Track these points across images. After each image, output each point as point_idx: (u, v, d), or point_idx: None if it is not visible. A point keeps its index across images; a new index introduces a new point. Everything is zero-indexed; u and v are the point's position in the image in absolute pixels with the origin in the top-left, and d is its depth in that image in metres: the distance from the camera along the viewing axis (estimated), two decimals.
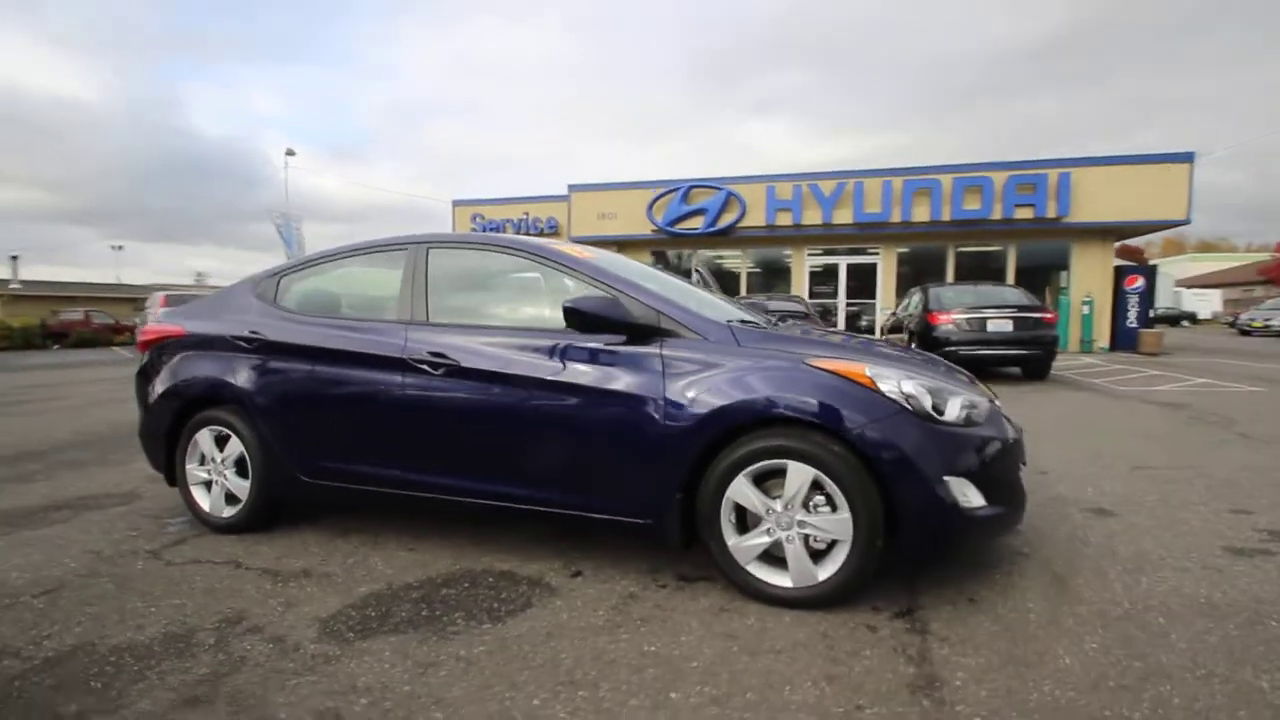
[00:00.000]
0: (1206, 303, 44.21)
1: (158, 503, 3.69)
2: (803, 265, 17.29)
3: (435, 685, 1.83)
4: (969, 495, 2.14)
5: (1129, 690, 1.74)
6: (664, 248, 18.49)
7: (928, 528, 2.13)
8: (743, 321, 2.68)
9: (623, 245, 17.94)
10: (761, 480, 2.26)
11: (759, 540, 2.25)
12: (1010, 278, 15.46)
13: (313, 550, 2.90)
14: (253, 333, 3.08)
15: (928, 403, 2.18)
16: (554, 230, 20.02)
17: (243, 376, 3.04)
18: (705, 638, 2.06)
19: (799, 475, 2.18)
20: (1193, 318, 40.75)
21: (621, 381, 2.39)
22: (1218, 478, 3.84)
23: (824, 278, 17.40)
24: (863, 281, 16.84)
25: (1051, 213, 14.02)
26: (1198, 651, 1.92)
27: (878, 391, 2.17)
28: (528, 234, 20.29)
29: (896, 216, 15.12)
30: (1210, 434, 5.17)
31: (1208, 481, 3.76)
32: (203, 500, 3.20)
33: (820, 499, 2.19)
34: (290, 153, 28.63)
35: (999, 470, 2.25)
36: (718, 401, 2.24)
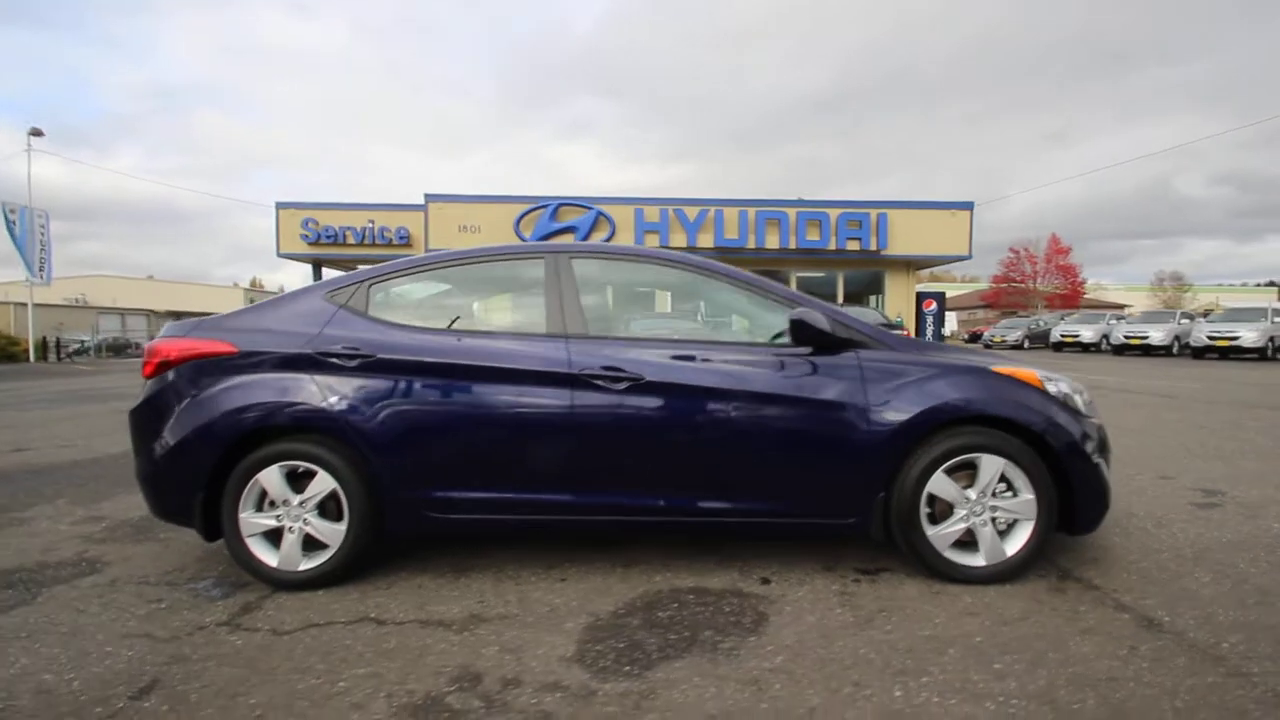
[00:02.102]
0: (947, 323, 54.71)
1: (142, 565, 2.91)
2: None
3: (789, 698, 1.80)
4: (1108, 473, 2.64)
5: (1267, 604, 2.31)
6: None
7: (1098, 504, 2.57)
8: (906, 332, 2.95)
9: None
10: (949, 473, 2.54)
11: (956, 527, 2.53)
12: (840, 299, 17.89)
13: (448, 593, 2.56)
14: (350, 348, 2.63)
15: (1073, 399, 2.65)
16: (405, 242, 18.70)
17: (340, 400, 2.58)
18: (954, 618, 2.27)
19: (991, 466, 2.50)
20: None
21: (825, 390, 2.52)
22: (1118, 456, 4.96)
23: None
24: None
25: (873, 246, 16.58)
26: (1268, 571, 2.60)
27: (1045, 391, 2.58)
28: (375, 244, 18.69)
29: (752, 243, 16.71)
30: None
31: (1115, 458, 4.85)
32: (265, 554, 2.62)
33: (1001, 485, 2.54)
34: (36, 133, 23.03)
35: (1108, 450, 2.79)
36: (923, 404, 2.49)
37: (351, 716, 1.78)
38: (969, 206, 16.82)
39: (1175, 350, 19.52)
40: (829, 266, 17.88)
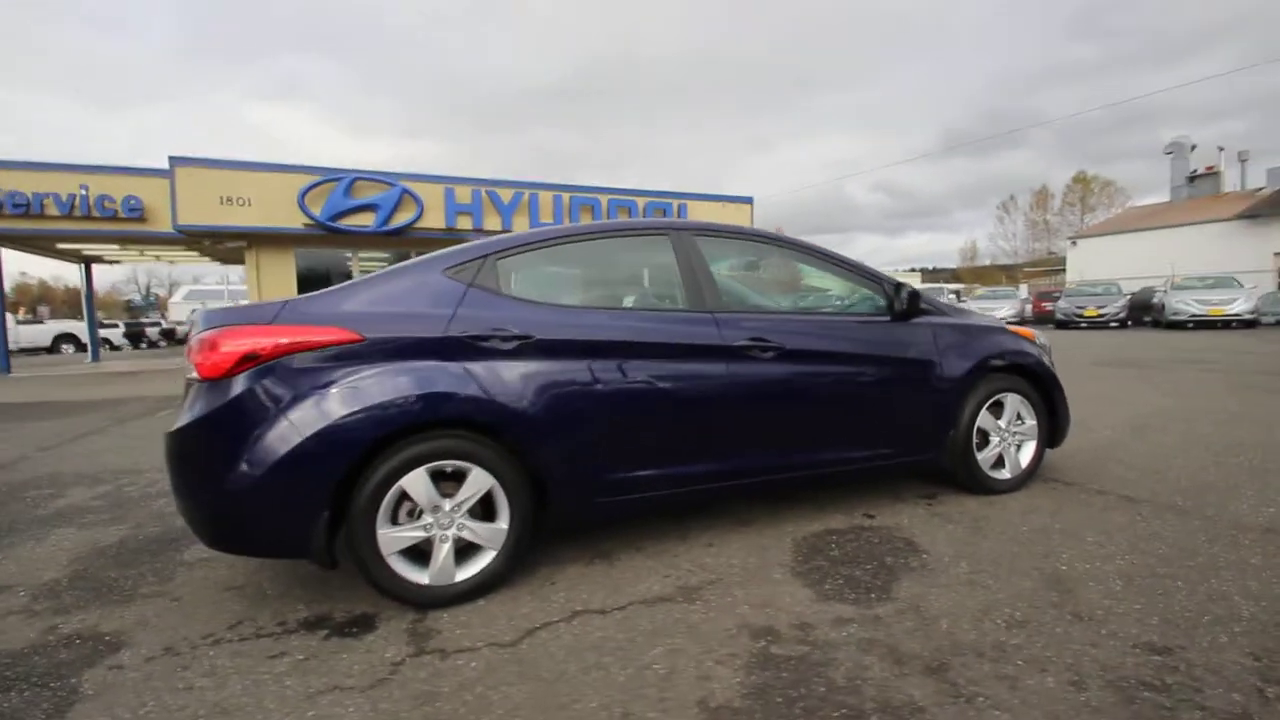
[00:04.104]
0: None
1: (181, 623, 2.31)
2: None
3: (1007, 586, 2.28)
4: None
5: (1168, 478, 3.46)
6: (322, 245, 15.98)
7: (1067, 423, 3.52)
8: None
9: (259, 239, 14.92)
10: (988, 410, 3.28)
11: (994, 451, 3.28)
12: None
13: (621, 576, 2.53)
14: (500, 329, 2.40)
15: (1048, 347, 3.58)
16: (137, 215, 15.02)
17: (499, 387, 2.36)
18: (1026, 516, 2.97)
19: (1013, 402, 3.30)
20: None
21: (918, 350, 3.06)
22: None
23: None
24: None
25: None
26: (1144, 459, 3.86)
27: (1035, 342, 3.46)
28: (93, 215, 14.63)
29: None
30: None
31: None
32: (410, 572, 2.30)
33: (1015, 416, 3.36)
34: None
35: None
36: (976, 358, 3.16)
37: (707, 685, 1.80)
38: (750, 200, 19.36)
39: None
40: None
